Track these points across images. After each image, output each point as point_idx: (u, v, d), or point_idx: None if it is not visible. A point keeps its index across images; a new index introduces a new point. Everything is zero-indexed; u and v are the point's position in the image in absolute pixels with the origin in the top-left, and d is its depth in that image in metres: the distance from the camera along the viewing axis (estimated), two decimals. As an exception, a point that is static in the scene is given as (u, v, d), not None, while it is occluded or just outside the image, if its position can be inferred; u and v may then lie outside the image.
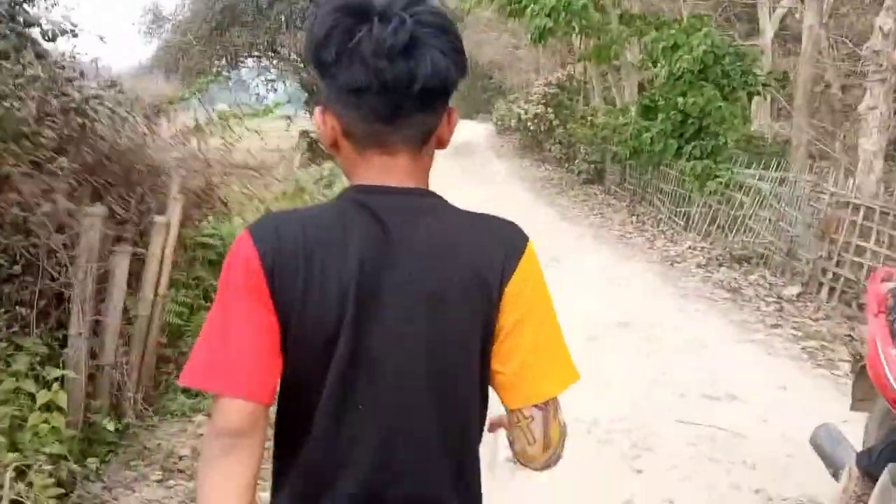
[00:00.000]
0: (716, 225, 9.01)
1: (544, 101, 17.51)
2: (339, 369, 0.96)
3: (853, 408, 3.13)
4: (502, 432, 1.13)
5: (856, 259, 6.21)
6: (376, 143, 0.99)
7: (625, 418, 3.98)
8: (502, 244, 1.01)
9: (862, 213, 6.19)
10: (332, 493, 0.99)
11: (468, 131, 30.10)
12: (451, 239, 0.99)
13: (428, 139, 1.01)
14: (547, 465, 1.07)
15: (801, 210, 7.07)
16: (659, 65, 10.42)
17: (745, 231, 8.26)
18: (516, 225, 1.07)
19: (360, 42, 0.91)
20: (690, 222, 9.70)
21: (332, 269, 0.95)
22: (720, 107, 8.94)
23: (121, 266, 3.49)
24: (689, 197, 9.86)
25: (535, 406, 1.02)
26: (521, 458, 1.08)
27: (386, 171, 0.99)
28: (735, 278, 7.34)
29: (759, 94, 10.10)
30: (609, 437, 3.81)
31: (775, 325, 5.80)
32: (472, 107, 45.13)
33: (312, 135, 26.24)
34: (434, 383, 0.99)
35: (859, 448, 2.81)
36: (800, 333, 5.59)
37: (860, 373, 2.99)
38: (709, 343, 5.35)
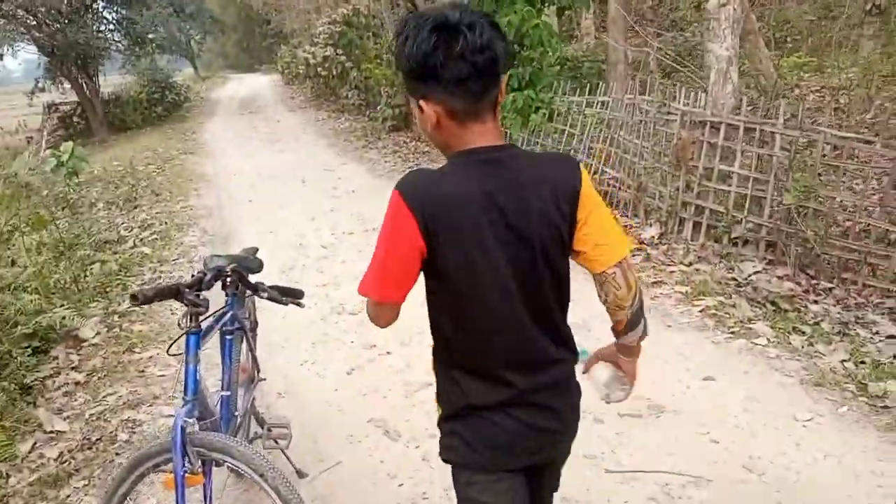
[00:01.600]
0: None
1: (332, 41, 15.58)
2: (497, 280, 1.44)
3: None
4: (596, 369, 1.71)
5: (720, 187, 5.39)
6: (475, 116, 1.41)
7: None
8: (570, 169, 1.47)
9: (722, 131, 5.34)
10: None
11: (252, 84, 27.30)
12: (539, 172, 1.44)
13: (498, 104, 1.45)
14: (633, 305, 1.53)
15: (647, 136, 6.17)
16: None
17: (582, 167, 7.30)
18: (568, 155, 1.67)
19: (461, 46, 1.33)
20: (517, 162, 8.63)
21: (467, 212, 1.38)
22: (537, 25, 7.79)
23: None
24: (509, 135, 8.78)
25: (615, 265, 1.48)
26: (614, 306, 1.53)
27: (482, 134, 1.42)
28: (585, 224, 6.33)
29: (570, 7, 9.11)
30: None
31: (656, 283, 4.81)
32: (254, 57, 41.59)
33: (64, 108, 22.04)
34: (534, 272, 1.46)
35: None
36: (687, 289, 4.63)
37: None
38: (589, 325, 4.21)
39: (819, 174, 4.88)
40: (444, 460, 1.56)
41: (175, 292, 1.99)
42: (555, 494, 1.70)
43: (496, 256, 1.40)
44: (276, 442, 2.72)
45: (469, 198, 1.37)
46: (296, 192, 8.60)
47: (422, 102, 1.39)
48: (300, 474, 2.82)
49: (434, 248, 1.38)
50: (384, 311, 1.48)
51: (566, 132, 7.63)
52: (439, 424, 1.57)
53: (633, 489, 2.62)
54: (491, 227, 1.38)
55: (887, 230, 4.51)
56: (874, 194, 4.71)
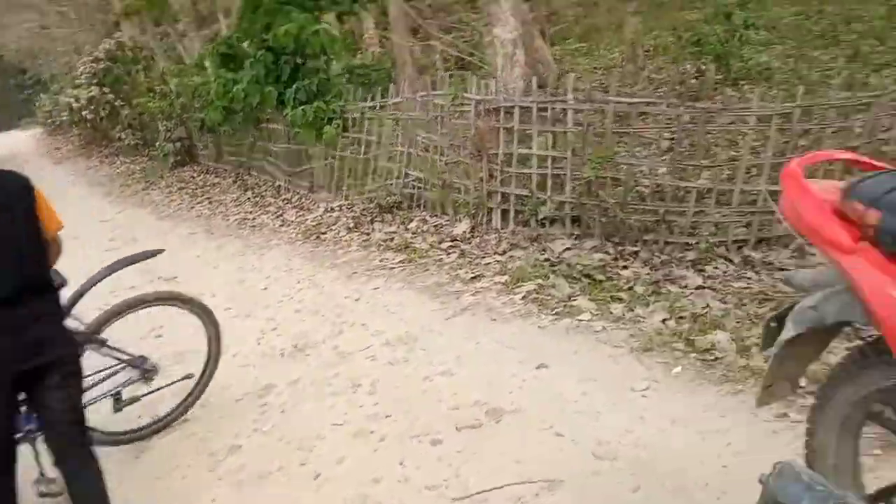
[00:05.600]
0: (347, 176, 7.59)
1: (96, 80, 14.08)
2: None
3: (764, 401, 1.81)
4: None
5: (522, 171, 5.27)
6: None
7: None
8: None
9: (516, 115, 5.23)
10: None
11: (8, 142, 24.07)
12: None
13: None
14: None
15: (445, 132, 5.96)
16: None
17: (384, 174, 6.97)
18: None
19: None
20: (315, 181, 8.14)
21: None
22: (317, 32, 7.35)
23: None
24: (307, 152, 8.27)
25: None
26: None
27: None
28: (395, 233, 5.99)
29: (349, 13, 8.78)
30: None
31: (475, 278, 4.54)
32: (12, 113, 37.13)
33: None
34: None
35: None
36: (505, 278, 4.41)
37: (787, 345, 1.65)
38: (418, 333, 3.83)
39: (617, 143, 4.91)
40: None
41: None
42: None
43: None
44: None
45: None
46: (67, 253, 7.42)
47: None
48: None
49: None
50: None
51: (363, 140, 7.28)
52: None
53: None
54: None
55: (677, 187, 4.61)
56: (663, 156, 4.82)
